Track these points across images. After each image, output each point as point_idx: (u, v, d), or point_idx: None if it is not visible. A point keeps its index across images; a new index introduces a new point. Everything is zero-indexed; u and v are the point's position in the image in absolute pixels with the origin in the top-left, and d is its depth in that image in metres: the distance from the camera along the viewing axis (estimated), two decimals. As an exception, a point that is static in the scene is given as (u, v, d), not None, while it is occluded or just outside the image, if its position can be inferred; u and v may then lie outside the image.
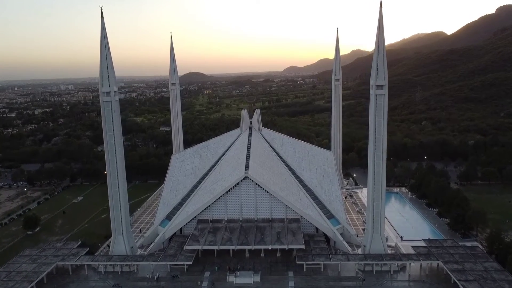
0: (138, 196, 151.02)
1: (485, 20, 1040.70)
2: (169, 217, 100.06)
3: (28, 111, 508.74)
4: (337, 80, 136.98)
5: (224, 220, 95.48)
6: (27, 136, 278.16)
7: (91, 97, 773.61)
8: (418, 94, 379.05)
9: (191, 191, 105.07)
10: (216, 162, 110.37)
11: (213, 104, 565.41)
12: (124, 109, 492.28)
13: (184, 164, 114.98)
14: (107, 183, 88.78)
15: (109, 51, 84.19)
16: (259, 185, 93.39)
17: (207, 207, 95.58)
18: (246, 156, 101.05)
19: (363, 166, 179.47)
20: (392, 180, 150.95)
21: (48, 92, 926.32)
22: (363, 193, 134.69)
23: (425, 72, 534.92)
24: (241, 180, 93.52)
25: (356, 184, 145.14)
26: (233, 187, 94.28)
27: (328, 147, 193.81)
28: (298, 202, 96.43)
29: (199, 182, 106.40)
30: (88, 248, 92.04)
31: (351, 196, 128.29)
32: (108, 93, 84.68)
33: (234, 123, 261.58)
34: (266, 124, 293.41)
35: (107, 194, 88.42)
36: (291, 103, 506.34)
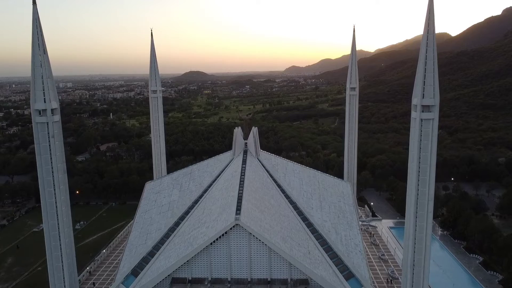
0: (111, 225, 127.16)
1: (491, 22, 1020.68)
2: (135, 271, 75.63)
3: (18, 110, 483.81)
4: (353, 89, 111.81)
5: (207, 280, 71.25)
6: (3, 142, 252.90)
7: (87, 96, 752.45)
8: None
9: (166, 235, 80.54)
10: (200, 196, 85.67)
11: (212, 105, 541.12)
12: (117, 110, 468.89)
13: (160, 197, 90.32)
14: (44, 234, 65.00)
15: (45, 52, 59.73)
16: (254, 235, 69.03)
17: (185, 262, 71.24)
18: (238, 193, 76.62)
19: (378, 188, 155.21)
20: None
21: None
22: (383, 228, 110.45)
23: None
24: (231, 228, 69.16)
25: (374, 215, 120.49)
26: (220, 236, 69.86)
27: (337, 162, 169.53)
28: (307, 258, 71.94)
29: (176, 224, 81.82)
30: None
31: (370, 234, 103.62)
32: (44, 111, 60.39)
33: (231, 131, 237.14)
34: (266, 132, 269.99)
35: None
36: (293, 106, 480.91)
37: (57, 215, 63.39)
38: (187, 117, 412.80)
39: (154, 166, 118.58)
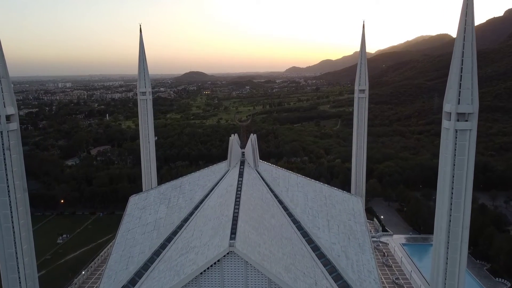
0: (96, 238, 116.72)
1: (493, 23, 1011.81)
2: (114, 303, 65.02)
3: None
4: (362, 91, 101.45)
5: (196, 316, 60.40)
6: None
7: (85, 96, 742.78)
8: (436, 101, 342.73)
9: (151, 260, 69.81)
10: (190, 214, 75.01)
11: (211, 106, 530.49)
12: (114, 111, 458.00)
13: (145, 213, 79.69)
14: (0, 266, 54.52)
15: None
16: (251, 264, 58.33)
17: (170, 294, 60.49)
18: (233, 212, 65.85)
19: (386, 198, 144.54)
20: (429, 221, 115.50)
21: (43, 90, 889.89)
22: (395, 245, 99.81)
23: (437, 76, 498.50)
24: (224, 256, 58.42)
25: (384, 229, 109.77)
26: (212, 265, 59.14)
27: (342, 169, 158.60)
28: (314, 290, 61.10)
29: (162, 247, 71.10)
30: None
31: (382, 253, 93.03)
32: (-3, 118, 50.19)
33: (230, 134, 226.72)
34: (266, 135, 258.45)
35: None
36: (294, 107, 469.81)
37: (15, 243, 53.13)
38: (185, 118, 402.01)
39: (143, 176, 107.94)
